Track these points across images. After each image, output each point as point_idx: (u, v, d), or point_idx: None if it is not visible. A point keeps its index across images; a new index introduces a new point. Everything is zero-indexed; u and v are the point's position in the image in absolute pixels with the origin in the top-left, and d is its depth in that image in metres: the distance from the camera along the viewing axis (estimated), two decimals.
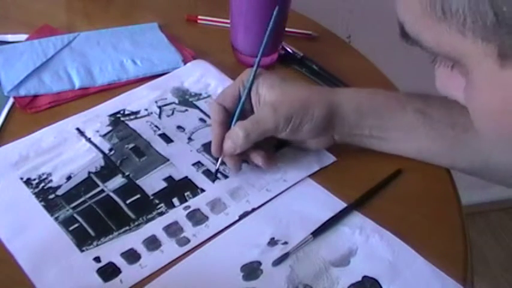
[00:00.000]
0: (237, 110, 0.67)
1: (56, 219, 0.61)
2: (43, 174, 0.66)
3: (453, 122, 0.66)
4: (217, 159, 0.67)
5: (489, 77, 0.38)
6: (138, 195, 0.65)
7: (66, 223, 0.61)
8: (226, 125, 0.67)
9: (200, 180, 0.67)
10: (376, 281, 0.58)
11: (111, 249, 0.59)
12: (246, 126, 0.65)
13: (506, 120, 0.39)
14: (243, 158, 0.67)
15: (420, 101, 0.68)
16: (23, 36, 0.85)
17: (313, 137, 0.68)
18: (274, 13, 0.70)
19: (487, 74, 0.38)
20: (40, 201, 0.63)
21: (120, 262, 0.58)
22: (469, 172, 0.70)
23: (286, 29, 0.84)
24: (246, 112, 0.68)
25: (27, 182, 0.65)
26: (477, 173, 0.70)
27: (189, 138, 0.72)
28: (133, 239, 0.60)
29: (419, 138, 0.68)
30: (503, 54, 0.36)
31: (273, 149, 0.70)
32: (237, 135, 0.64)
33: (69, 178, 0.66)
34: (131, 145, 0.71)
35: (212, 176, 0.67)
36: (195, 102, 0.77)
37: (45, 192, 0.64)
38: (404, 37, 0.42)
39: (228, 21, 0.85)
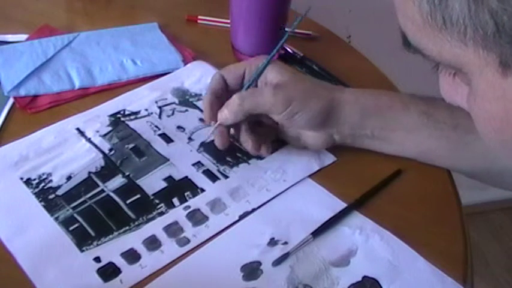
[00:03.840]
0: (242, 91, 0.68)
1: (56, 219, 0.61)
2: (43, 174, 0.66)
3: (456, 124, 0.66)
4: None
5: (491, 86, 0.38)
6: (138, 195, 0.65)
7: (66, 223, 0.61)
8: (220, 96, 0.68)
9: (200, 180, 0.67)
10: (376, 281, 0.58)
11: (111, 249, 0.59)
12: (243, 94, 0.66)
13: (509, 129, 0.39)
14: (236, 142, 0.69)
15: (424, 102, 0.68)
16: (23, 36, 0.85)
17: (308, 129, 0.68)
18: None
19: (488, 83, 0.38)
20: (40, 201, 0.63)
21: (120, 262, 0.58)
22: (470, 175, 0.70)
23: (286, 29, 0.84)
24: None
25: (27, 182, 0.65)
26: (478, 175, 0.69)
27: (189, 138, 0.72)
28: (134, 239, 0.60)
29: (421, 139, 0.68)
30: (505, 64, 0.36)
31: (271, 142, 0.70)
32: (233, 102, 0.65)
33: (69, 178, 0.66)
34: (131, 145, 0.71)
35: (212, 176, 0.67)
36: (195, 103, 0.77)
37: (45, 192, 0.64)
38: (406, 46, 0.42)
39: (228, 21, 0.85)
